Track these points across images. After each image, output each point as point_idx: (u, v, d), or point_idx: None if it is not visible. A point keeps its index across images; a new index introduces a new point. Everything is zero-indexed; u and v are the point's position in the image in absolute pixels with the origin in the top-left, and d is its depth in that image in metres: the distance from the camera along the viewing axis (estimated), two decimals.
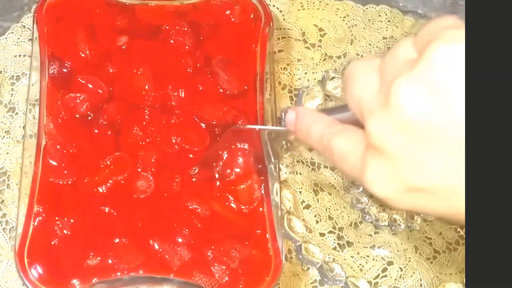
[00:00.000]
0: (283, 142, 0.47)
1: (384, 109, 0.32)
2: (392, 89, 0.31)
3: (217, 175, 0.51)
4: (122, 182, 0.50)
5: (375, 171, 0.33)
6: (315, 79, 0.63)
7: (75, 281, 0.46)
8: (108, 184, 0.49)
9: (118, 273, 0.47)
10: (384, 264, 0.56)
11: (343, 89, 0.37)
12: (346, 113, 0.36)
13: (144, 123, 0.52)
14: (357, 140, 0.34)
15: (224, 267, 0.48)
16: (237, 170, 0.51)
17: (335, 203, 0.58)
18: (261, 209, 0.50)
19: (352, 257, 0.56)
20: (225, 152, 0.51)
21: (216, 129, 0.53)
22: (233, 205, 0.50)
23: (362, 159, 0.33)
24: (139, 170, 0.50)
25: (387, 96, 0.31)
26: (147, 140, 0.51)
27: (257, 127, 0.52)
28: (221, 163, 0.51)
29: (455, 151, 0.29)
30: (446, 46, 0.30)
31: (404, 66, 0.32)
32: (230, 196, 0.50)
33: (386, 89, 0.32)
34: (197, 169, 0.51)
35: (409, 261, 0.57)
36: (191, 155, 0.52)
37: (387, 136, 0.31)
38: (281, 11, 0.65)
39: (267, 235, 0.49)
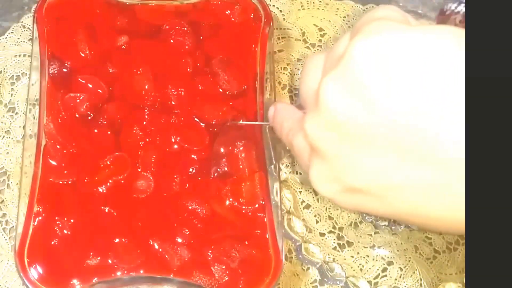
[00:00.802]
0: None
1: (316, 107, 0.30)
2: (320, 87, 0.30)
3: (215, 174, 0.51)
4: (122, 182, 0.50)
5: (316, 171, 0.32)
6: None
7: (75, 281, 0.46)
8: (108, 184, 0.49)
9: (118, 273, 0.47)
10: (384, 264, 0.56)
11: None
12: None
13: (144, 123, 0.52)
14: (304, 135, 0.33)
15: (224, 267, 0.48)
16: (237, 168, 0.51)
17: None
18: (261, 208, 0.50)
19: (352, 257, 0.56)
20: (222, 150, 0.51)
21: (215, 129, 0.53)
22: (233, 205, 0.50)
23: (308, 158, 0.33)
24: (139, 170, 0.50)
25: (318, 93, 0.30)
26: (147, 139, 0.51)
27: (245, 122, 0.52)
28: (221, 161, 0.51)
29: (385, 149, 0.28)
30: (363, 40, 0.28)
31: (335, 61, 0.30)
32: (230, 196, 0.51)
33: (319, 86, 0.30)
34: (195, 170, 0.51)
35: (409, 261, 0.57)
36: (192, 156, 0.52)
37: (319, 136, 0.30)
38: (281, 11, 0.65)
39: (267, 235, 0.49)
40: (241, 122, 0.52)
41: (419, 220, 0.30)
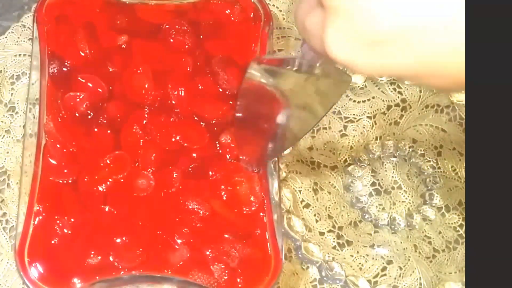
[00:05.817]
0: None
1: None
2: None
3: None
4: (122, 180, 0.50)
5: (333, 32, 0.32)
6: None
7: (75, 280, 0.46)
8: (108, 183, 0.49)
9: (119, 272, 0.47)
10: (383, 263, 0.56)
11: None
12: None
13: (144, 122, 0.52)
14: (319, 10, 0.34)
15: (223, 266, 0.48)
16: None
17: (335, 202, 0.58)
18: (260, 208, 0.51)
19: (352, 256, 0.56)
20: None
21: (215, 128, 0.53)
22: (232, 204, 0.50)
23: (322, 26, 0.33)
24: (139, 168, 0.50)
25: None
26: (147, 138, 0.52)
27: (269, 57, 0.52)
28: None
29: None
30: None
31: None
32: (229, 195, 0.51)
33: None
34: (195, 168, 0.51)
35: (409, 260, 0.57)
36: (192, 154, 0.52)
37: None
38: (280, 11, 0.65)
39: (266, 234, 0.50)
40: (265, 57, 0.51)
41: (432, 69, 0.31)
